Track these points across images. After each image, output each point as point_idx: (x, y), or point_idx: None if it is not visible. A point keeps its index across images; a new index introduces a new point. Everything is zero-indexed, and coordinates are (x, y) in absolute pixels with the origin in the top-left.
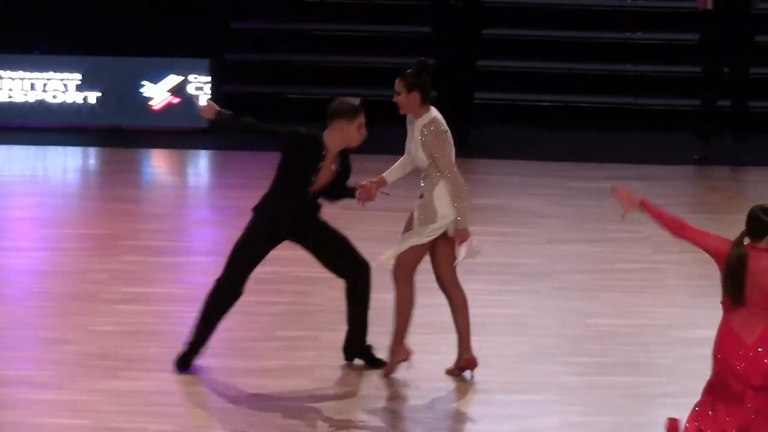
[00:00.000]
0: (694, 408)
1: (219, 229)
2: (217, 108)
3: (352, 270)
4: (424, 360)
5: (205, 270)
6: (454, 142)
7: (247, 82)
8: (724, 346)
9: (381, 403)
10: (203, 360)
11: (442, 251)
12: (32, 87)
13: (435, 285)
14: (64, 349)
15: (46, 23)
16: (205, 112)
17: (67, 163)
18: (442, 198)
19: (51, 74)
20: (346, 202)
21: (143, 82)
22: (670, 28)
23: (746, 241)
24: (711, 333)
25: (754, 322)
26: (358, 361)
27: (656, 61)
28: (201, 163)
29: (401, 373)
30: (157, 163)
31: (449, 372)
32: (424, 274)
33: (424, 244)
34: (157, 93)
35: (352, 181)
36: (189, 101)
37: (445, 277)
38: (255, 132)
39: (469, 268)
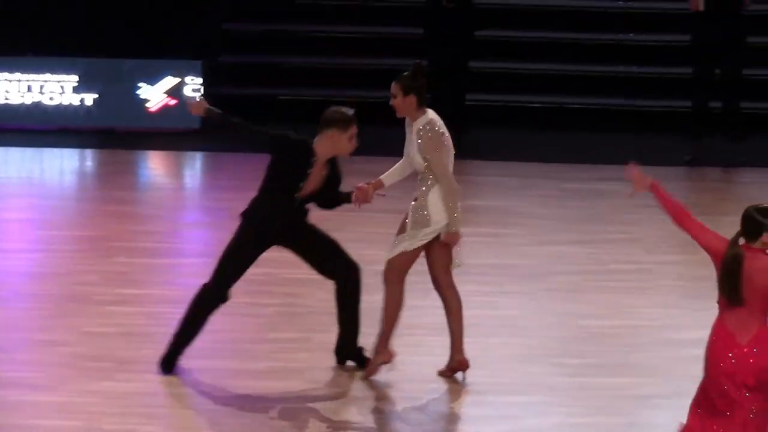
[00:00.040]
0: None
1: (211, 231)
2: (207, 105)
3: (342, 272)
4: (416, 362)
5: (197, 272)
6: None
7: (240, 84)
8: (718, 345)
9: (373, 405)
10: (195, 362)
11: (438, 253)
12: (29, 89)
13: (427, 286)
14: (56, 350)
15: (42, 25)
16: (193, 108)
17: (63, 165)
18: (436, 202)
19: (48, 76)
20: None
21: (140, 84)
22: (662, 29)
23: (741, 241)
24: (703, 334)
25: (749, 322)
26: (350, 363)
27: (648, 62)
28: (195, 165)
29: (393, 374)
30: (153, 164)
31: (441, 373)
32: (417, 275)
33: (416, 248)
34: (154, 95)
35: (349, 184)
36: (184, 102)
37: (441, 279)
38: (245, 133)
39: (462, 270)
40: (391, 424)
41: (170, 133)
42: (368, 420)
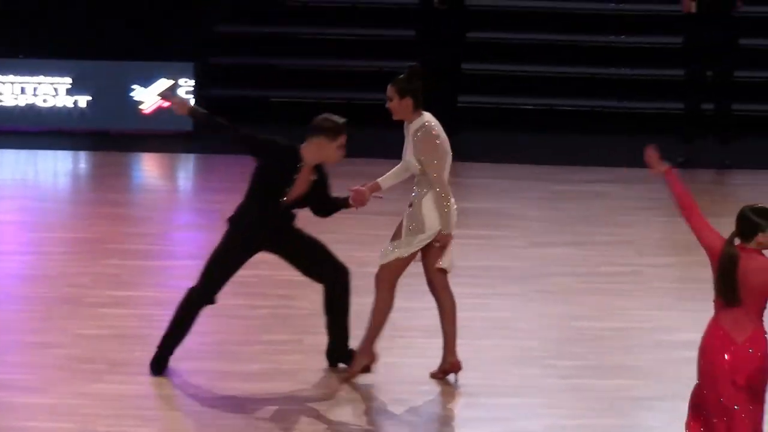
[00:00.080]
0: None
1: (203, 233)
2: (190, 105)
3: (329, 275)
4: (408, 363)
5: (189, 274)
6: None
7: (232, 86)
8: (713, 343)
9: (365, 407)
10: (188, 363)
11: (434, 256)
12: (22, 91)
13: (420, 288)
14: (48, 352)
15: (35, 27)
16: (177, 107)
17: (56, 167)
18: (430, 208)
19: (41, 78)
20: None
21: (133, 86)
22: (654, 31)
23: (737, 242)
24: (696, 336)
25: (744, 322)
26: (342, 365)
27: (640, 64)
28: (188, 167)
29: (385, 376)
30: (146, 166)
31: (433, 375)
32: (410, 277)
33: (411, 254)
34: (148, 97)
35: (342, 186)
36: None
37: (436, 281)
38: (231, 135)
39: (454, 272)
40: (383, 426)
41: (164, 135)
42: (360, 422)
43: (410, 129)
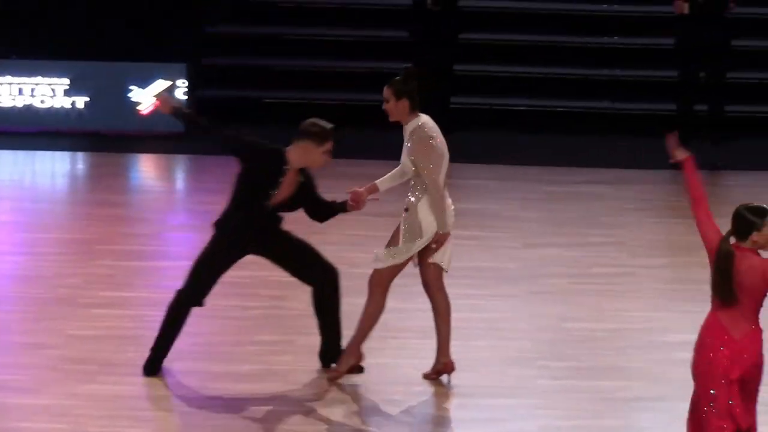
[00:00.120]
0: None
1: (196, 234)
2: (173, 104)
3: (318, 276)
4: (401, 364)
5: (181, 275)
6: None
7: (226, 87)
8: (712, 338)
9: (358, 408)
10: (180, 364)
11: (429, 256)
12: (20, 92)
13: (414, 289)
14: (41, 353)
15: (33, 28)
16: (161, 106)
17: (53, 168)
18: (426, 212)
19: (39, 79)
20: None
21: (131, 87)
22: (646, 32)
23: (732, 240)
24: (688, 337)
25: (741, 321)
26: (334, 366)
27: (633, 65)
28: (184, 168)
29: (378, 377)
30: (143, 167)
31: (426, 376)
32: (403, 278)
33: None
34: (145, 98)
35: (330, 187)
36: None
37: (431, 282)
38: (216, 136)
39: (447, 273)
40: (375, 426)
41: (161, 136)
42: (352, 422)
43: (406, 131)
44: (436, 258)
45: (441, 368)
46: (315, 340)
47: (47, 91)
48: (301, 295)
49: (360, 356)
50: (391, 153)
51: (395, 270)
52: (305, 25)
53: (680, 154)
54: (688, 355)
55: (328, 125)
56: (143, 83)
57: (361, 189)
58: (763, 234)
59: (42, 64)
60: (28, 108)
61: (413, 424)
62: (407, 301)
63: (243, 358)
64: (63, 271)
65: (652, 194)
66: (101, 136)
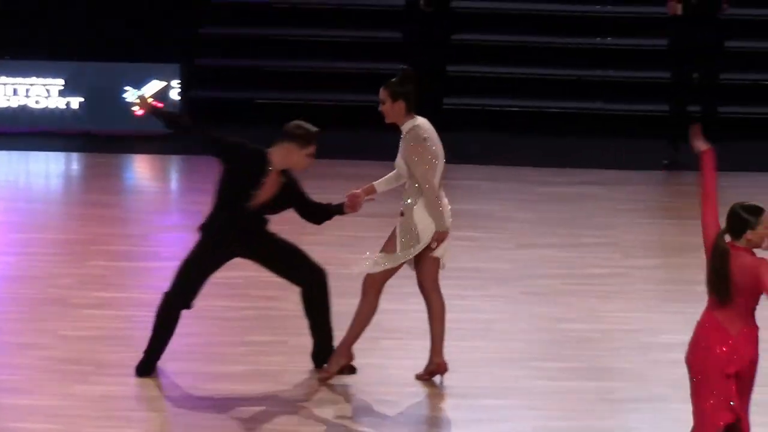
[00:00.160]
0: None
1: (189, 235)
2: (153, 103)
3: (306, 277)
4: (394, 365)
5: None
6: None
7: (218, 88)
8: (708, 334)
9: (350, 408)
10: (172, 365)
11: (427, 257)
12: (15, 92)
13: (405, 290)
14: (33, 354)
15: (29, 29)
16: (140, 105)
17: (47, 169)
18: (422, 216)
19: (34, 79)
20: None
21: (126, 88)
22: (639, 33)
23: (727, 239)
24: (680, 338)
25: (736, 319)
26: (325, 366)
27: (626, 66)
28: (178, 168)
29: (371, 377)
30: (136, 168)
31: (419, 377)
32: (396, 279)
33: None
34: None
35: (324, 187)
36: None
37: (427, 283)
38: (197, 136)
39: (440, 274)
40: (368, 427)
41: (156, 136)
42: (344, 423)
43: (402, 132)
44: (437, 253)
45: (434, 369)
46: (307, 340)
47: (42, 92)
48: (294, 296)
49: (350, 357)
50: (385, 154)
51: (389, 272)
52: (298, 26)
53: (701, 146)
54: (681, 355)
55: (313, 128)
56: (138, 84)
57: (359, 191)
58: (757, 233)
59: (37, 64)
60: (23, 108)
61: (405, 424)
62: (400, 302)
63: (235, 359)
64: (55, 272)
65: (645, 195)
66: (96, 137)
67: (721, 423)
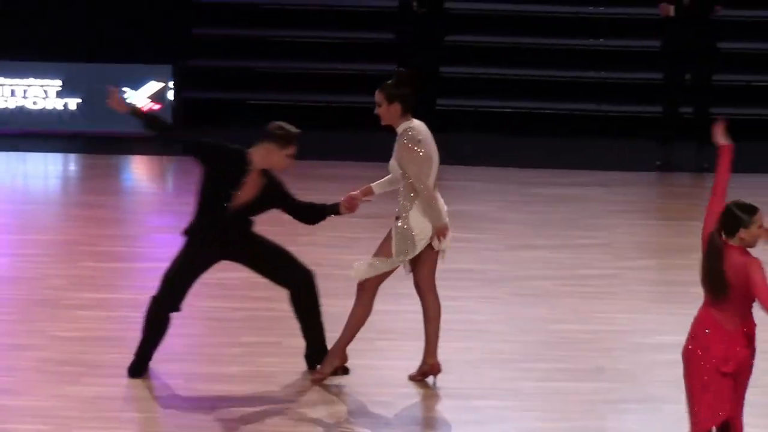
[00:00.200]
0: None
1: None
2: (132, 103)
3: (294, 279)
4: (387, 366)
5: None
6: None
7: (210, 89)
8: (704, 330)
9: (343, 409)
10: (165, 365)
11: (423, 258)
12: (12, 93)
13: (399, 291)
14: (25, 355)
15: (25, 30)
16: (115, 104)
17: (44, 170)
18: (418, 219)
19: (31, 80)
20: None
21: (124, 89)
22: (632, 34)
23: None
24: (672, 339)
25: (731, 315)
26: (319, 368)
27: (619, 67)
28: (175, 169)
29: (364, 378)
30: (133, 169)
31: (412, 377)
32: (390, 280)
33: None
34: (138, 99)
35: (315, 188)
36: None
37: (423, 283)
38: (176, 136)
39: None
40: (361, 428)
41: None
42: (338, 424)
43: (397, 134)
44: (440, 246)
45: (427, 369)
46: (300, 341)
47: (39, 93)
48: (287, 297)
49: (344, 358)
50: (378, 155)
51: (384, 275)
52: (291, 27)
53: (722, 140)
54: (674, 356)
55: (293, 129)
56: (135, 85)
57: (357, 192)
58: (750, 231)
59: (34, 65)
60: (21, 109)
61: (399, 425)
62: (393, 303)
63: (229, 360)
64: (46, 273)
65: (637, 196)
66: (93, 138)
67: (716, 421)
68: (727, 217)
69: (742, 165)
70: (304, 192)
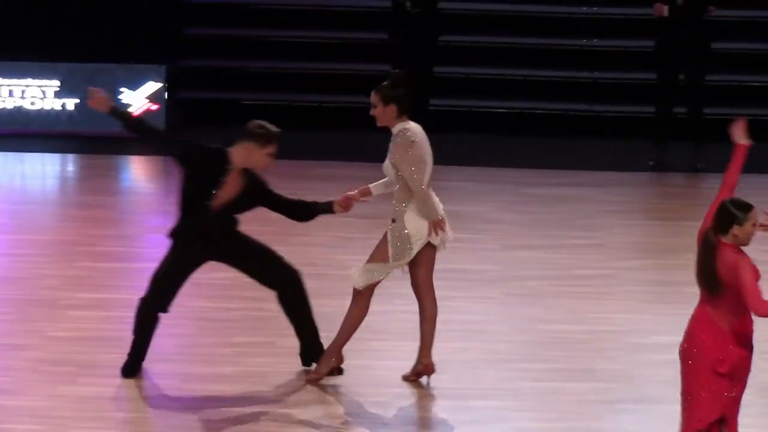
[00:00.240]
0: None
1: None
2: (112, 103)
3: (279, 279)
4: (381, 366)
5: None
6: None
7: (204, 89)
8: (700, 327)
9: (337, 410)
10: (159, 366)
11: (421, 258)
12: (10, 93)
13: (394, 291)
14: (20, 355)
15: (23, 30)
16: (96, 104)
17: (42, 170)
18: (413, 220)
19: (29, 81)
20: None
21: (122, 89)
22: (626, 35)
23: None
24: (667, 339)
25: (726, 312)
26: (314, 368)
27: (612, 67)
28: (172, 170)
29: (358, 378)
30: (130, 169)
31: (405, 378)
32: (386, 280)
33: None
34: (136, 99)
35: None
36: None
37: (421, 285)
38: (156, 138)
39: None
40: (356, 428)
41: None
42: (332, 424)
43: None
44: (436, 241)
45: (421, 369)
46: (294, 341)
47: (37, 93)
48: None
49: (340, 358)
50: (372, 155)
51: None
52: (285, 27)
53: (740, 139)
54: (668, 357)
55: (274, 128)
56: (133, 85)
57: (354, 192)
58: (744, 229)
59: (32, 66)
60: (19, 110)
61: (393, 425)
62: (387, 303)
63: (223, 360)
64: (41, 273)
65: (632, 196)
66: (91, 138)
67: (709, 420)
68: (722, 213)
69: None
70: (300, 192)
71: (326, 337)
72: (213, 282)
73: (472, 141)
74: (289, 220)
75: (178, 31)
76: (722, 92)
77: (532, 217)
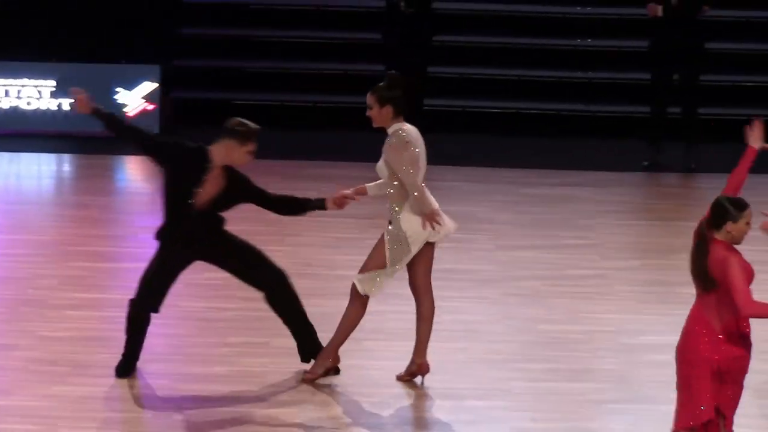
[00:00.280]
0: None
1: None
2: (94, 104)
3: (266, 280)
4: (376, 366)
5: None
6: None
7: (197, 89)
8: (695, 325)
9: (332, 410)
10: (153, 366)
11: (420, 258)
12: (6, 93)
13: (388, 291)
14: (13, 354)
15: (19, 30)
16: (79, 105)
17: (38, 170)
18: (409, 221)
19: (25, 81)
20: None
21: (117, 89)
22: (620, 35)
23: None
24: (661, 339)
25: (720, 310)
26: (310, 368)
27: (607, 68)
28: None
29: (353, 378)
30: (126, 169)
31: (400, 377)
32: None
33: None
34: (132, 100)
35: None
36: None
37: (419, 284)
38: (136, 138)
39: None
40: (352, 428)
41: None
42: (327, 424)
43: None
44: (435, 238)
45: (415, 369)
46: (289, 341)
47: (33, 93)
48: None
49: (337, 359)
50: (365, 155)
51: None
52: (278, 27)
53: (754, 142)
54: (662, 357)
55: (254, 126)
56: (128, 85)
57: (350, 191)
58: (737, 226)
59: (28, 65)
60: (15, 110)
61: (389, 425)
62: (382, 303)
63: (217, 360)
64: (34, 273)
65: (626, 196)
66: (87, 139)
67: (701, 418)
68: (716, 209)
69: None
70: (294, 192)
71: (321, 338)
72: (208, 282)
73: (466, 141)
74: (283, 217)
75: (174, 31)
76: (716, 92)
77: (526, 217)
